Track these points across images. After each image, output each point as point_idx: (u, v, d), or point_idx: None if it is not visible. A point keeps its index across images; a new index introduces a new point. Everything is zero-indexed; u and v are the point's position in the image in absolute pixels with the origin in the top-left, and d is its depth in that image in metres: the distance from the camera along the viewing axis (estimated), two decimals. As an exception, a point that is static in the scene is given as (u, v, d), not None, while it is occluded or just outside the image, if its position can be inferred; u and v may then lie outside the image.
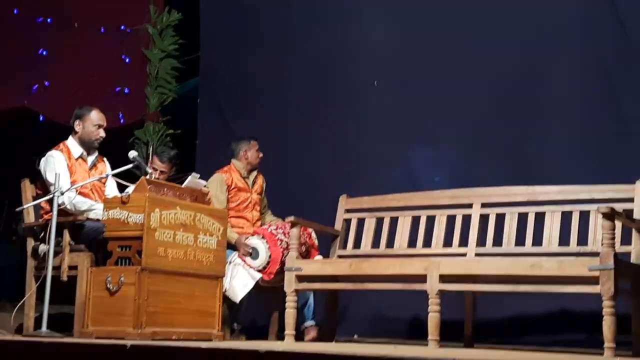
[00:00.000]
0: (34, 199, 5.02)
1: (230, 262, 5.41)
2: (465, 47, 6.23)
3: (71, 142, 5.16)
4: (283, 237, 5.41)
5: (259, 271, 5.42)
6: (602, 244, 4.27)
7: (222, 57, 7.53)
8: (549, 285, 4.54)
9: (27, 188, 5.12)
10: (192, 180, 5.04)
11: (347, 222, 5.76)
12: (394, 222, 5.61)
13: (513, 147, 5.90)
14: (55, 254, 4.64)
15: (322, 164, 6.59)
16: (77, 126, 5.17)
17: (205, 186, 5.20)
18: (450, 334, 5.02)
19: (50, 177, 4.94)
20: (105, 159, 5.30)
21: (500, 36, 6.09)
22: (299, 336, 5.34)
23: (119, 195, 4.96)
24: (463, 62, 6.20)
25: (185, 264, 4.68)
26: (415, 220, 5.54)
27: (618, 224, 4.60)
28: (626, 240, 4.76)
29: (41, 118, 7.72)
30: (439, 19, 6.39)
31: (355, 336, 6.10)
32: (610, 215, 4.27)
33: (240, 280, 5.41)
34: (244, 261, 5.46)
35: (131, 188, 4.82)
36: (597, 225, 4.78)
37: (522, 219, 5.18)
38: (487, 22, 6.17)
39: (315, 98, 6.84)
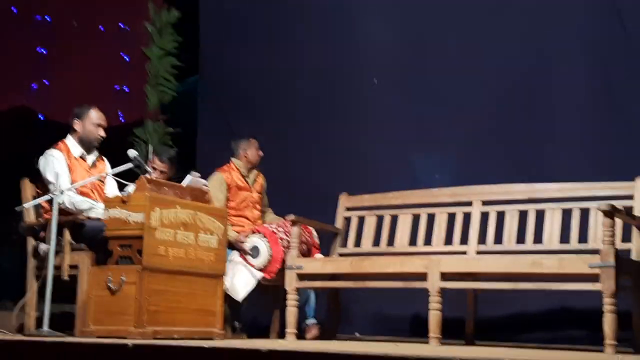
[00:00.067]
0: (34, 198, 5.01)
1: (230, 261, 5.41)
2: (466, 46, 6.24)
3: (71, 141, 5.15)
4: (284, 236, 5.41)
5: (260, 270, 5.43)
6: (602, 242, 4.28)
7: (222, 55, 7.53)
8: (549, 282, 4.54)
9: (27, 187, 5.11)
10: (192, 178, 5.04)
11: (348, 220, 5.76)
12: (394, 220, 5.61)
13: (513, 145, 5.90)
14: (56, 253, 4.64)
15: (323, 162, 6.59)
16: (77, 125, 5.16)
17: (205, 185, 5.20)
18: (452, 332, 5.03)
19: (49, 177, 4.93)
20: (104, 158, 5.29)
21: (501, 36, 6.10)
22: (301, 334, 5.34)
23: (119, 194, 4.96)
24: (463, 61, 6.21)
25: (186, 263, 4.68)
26: (416, 218, 5.55)
27: (618, 221, 4.61)
28: (626, 237, 4.77)
29: (41, 117, 7.72)
30: (439, 18, 6.39)
31: (357, 334, 6.10)
32: (610, 213, 4.27)
33: (241, 279, 5.41)
34: (245, 260, 5.46)
35: (131, 187, 4.82)
36: (598, 223, 4.79)
37: (523, 216, 5.19)
38: (488, 22, 6.18)
39: (315, 96, 6.84)
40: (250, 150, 5.87)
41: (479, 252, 5.21)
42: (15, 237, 5.37)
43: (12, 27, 7.49)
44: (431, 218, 5.50)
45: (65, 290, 4.79)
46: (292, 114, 6.94)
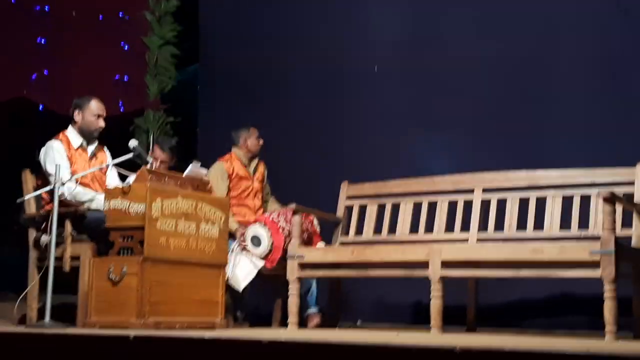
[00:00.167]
0: (35, 189, 5.02)
1: (232, 251, 5.42)
2: (467, 33, 6.22)
3: (71, 132, 5.15)
4: (285, 225, 5.41)
5: (262, 259, 5.44)
6: (602, 228, 4.28)
7: (222, 43, 7.51)
8: (550, 269, 4.55)
9: (28, 179, 5.12)
10: (193, 168, 5.04)
11: (349, 208, 5.76)
12: (395, 208, 5.61)
13: (514, 132, 5.90)
14: (57, 244, 4.64)
15: (324, 150, 6.59)
16: (77, 116, 5.16)
17: (206, 175, 5.20)
18: (453, 319, 5.04)
19: (49, 168, 4.93)
20: (105, 148, 5.29)
21: (502, 22, 6.09)
22: (303, 323, 5.35)
23: (120, 185, 4.96)
24: (464, 49, 6.19)
25: (188, 253, 4.69)
26: (417, 206, 5.55)
27: (619, 208, 4.60)
28: (627, 223, 4.77)
29: (40, 108, 7.71)
30: (441, 4, 6.37)
31: (359, 322, 6.12)
32: (610, 200, 4.27)
33: (243, 269, 5.42)
34: (246, 249, 5.47)
35: (132, 178, 4.82)
36: (598, 209, 4.79)
37: (524, 203, 5.19)
38: (490, 7, 6.16)
39: (316, 84, 6.83)
40: (250, 140, 5.87)
41: (480, 240, 5.21)
42: (16, 229, 5.37)
43: (11, 18, 7.46)
44: (432, 206, 5.50)
45: (67, 281, 4.80)
46: (292, 102, 6.94)
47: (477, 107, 6.08)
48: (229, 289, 5.29)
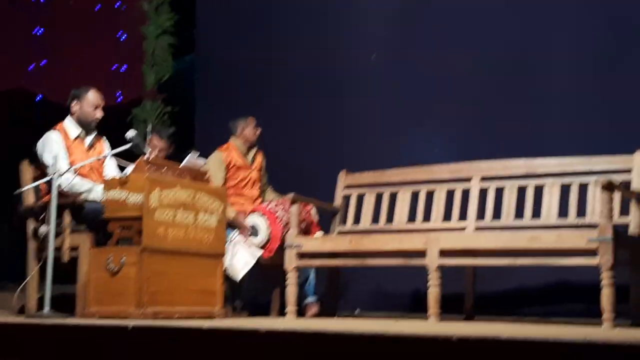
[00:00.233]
0: (33, 180, 5.02)
1: (230, 241, 5.43)
2: (465, 21, 6.21)
3: (68, 123, 5.15)
4: (283, 214, 5.42)
5: (260, 249, 5.45)
6: (600, 216, 4.29)
7: (219, 32, 7.50)
8: (548, 257, 4.56)
9: (26, 169, 5.11)
10: (191, 158, 5.04)
11: (347, 198, 5.77)
12: (393, 197, 5.62)
13: (512, 120, 5.89)
14: (56, 235, 4.65)
15: (322, 139, 6.59)
16: (75, 107, 5.15)
17: (204, 165, 5.20)
18: (451, 307, 5.05)
19: (47, 159, 4.93)
20: (104, 138, 5.29)
21: (500, 10, 6.07)
22: (301, 312, 5.37)
23: (118, 175, 4.96)
24: (462, 36, 6.19)
25: (186, 244, 4.70)
26: (415, 195, 5.56)
27: (617, 195, 4.61)
28: (625, 211, 4.78)
29: (38, 98, 7.71)
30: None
31: (357, 311, 6.14)
32: (608, 187, 4.28)
33: (241, 259, 5.43)
34: (245, 239, 5.48)
35: (130, 168, 4.82)
36: (596, 197, 4.80)
37: (521, 192, 5.20)
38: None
39: (314, 73, 6.82)
40: (248, 129, 5.87)
41: (477, 228, 5.22)
42: (15, 219, 5.38)
43: (7, 9, 7.45)
44: (430, 195, 5.50)
45: (66, 271, 4.82)
46: (290, 91, 6.93)
47: (474, 96, 6.07)
48: (228, 278, 5.31)
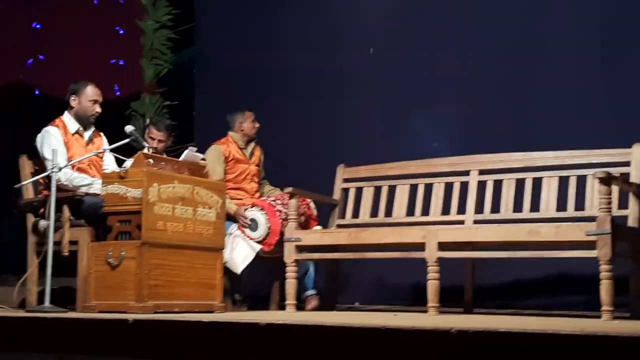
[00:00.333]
0: (33, 175, 5.02)
1: (230, 234, 5.44)
2: (463, 15, 6.21)
3: (67, 118, 5.15)
4: (282, 208, 5.43)
5: (259, 242, 5.46)
6: (598, 209, 4.29)
7: (218, 26, 7.49)
8: (546, 250, 4.57)
9: (25, 164, 5.12)
10: (190, 153, 5.05)
11: (346, 191, 5.78)
12: (392, 190, 5.63)
13: (510, 113, 5.90)
14: (55, 229, 4.66)
15: (320, 133, 6.59)
16: (73, 101, 5.15)
17: (202, 159, 5.21)
18: (451, 300, 5.07)
19: (46, 153, 4.93)
20: (102, 134, 5.30)
21: (499, 5, 6.07)
22: (300, 305, 5.38)
23: (117, 170, 4.97)
24: (460, 30, 6.19)
25: (185, 237, 4.71)
26: (413, 189, 5.56)
27: (615, 188, 4.62)
28: (623, 203, 4.78)
29: (37, 92, 7.71)
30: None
31: (357, 304, 6.15)
32: (606, 180, 4.28)
33: (240, 252, 5.44)
34: (244, 233, 5.49)
35: (129, 163, 4.83)
36: (594, 190, 4.80)
37: (520, 185, 5.21)
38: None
39: (313, 67, 6.82)
40: (246, 123, 5.87)
41: (476, 222, 5.23)
42: (15, 213, 5.39)
43: (5, 3, 7.45)
44: (429, 188, 5.51)
45: (66, 265, 4.83)
46: (288, 85, 6.93)
47: (473, 89, 6.07)
48: (227, 272, 5.32)
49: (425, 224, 5.14)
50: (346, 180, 5.79)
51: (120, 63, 7.83)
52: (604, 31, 5.63)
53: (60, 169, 4.75)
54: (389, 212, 5.58)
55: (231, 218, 5.46)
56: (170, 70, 7.90)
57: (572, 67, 5.73)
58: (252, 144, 5.94)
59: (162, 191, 4.60)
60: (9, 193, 5.22)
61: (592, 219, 4.40)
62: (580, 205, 4.97)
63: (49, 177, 4.72)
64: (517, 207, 5.16)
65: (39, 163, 5.04)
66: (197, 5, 7.75)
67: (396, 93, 6.38)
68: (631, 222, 4.70)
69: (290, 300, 5.09)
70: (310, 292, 5.64)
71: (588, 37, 5.69)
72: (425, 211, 5.45)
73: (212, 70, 7.51)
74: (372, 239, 4.99)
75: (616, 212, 4.60)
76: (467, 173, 5.41)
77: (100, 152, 5.13)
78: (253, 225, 5.47)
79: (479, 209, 5.28)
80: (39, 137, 5.06)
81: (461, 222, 5.26)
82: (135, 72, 7.83)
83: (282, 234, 5.30)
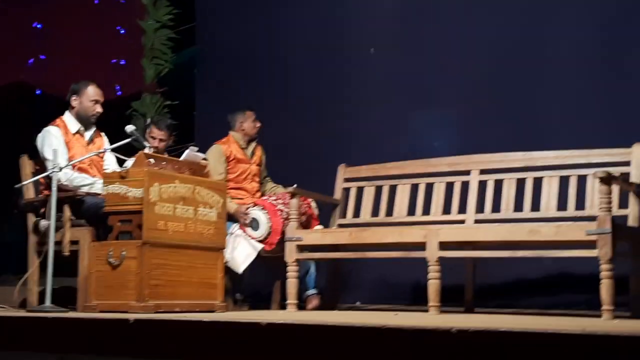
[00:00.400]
0: (33, 174, 5.03)
1: (231, 234, 5.45)
2: (463, 15, 6.21)
3: (68, 117, 5.15)
4: (283, 208, 5.43)
5: (260, 242, 5.46)
6: (599, 208, 4.30)
7: (219, 26, 7.49)
8: (547, 250, 4.57)
9: (26, 164, 5.12)
10: (190, 153, 5.05)
11: (347, 191, 5.78)
12: (393, 190, 5.63)
13: (511, 113, 5.90)
14: (56, 229, 4.66)
15: (321, 133, 6.59)
16: (74, 101, 5.16)
17: (204, 158, 5.21)
18: (452, 299, 5.07)
19: (47, 153, 4.94)
20: (103, 133, 5.30)
21: (500, 4, 6.07)
22: (301, 305, 5.39)
23: (118, 169, 4.97)
24: (460, 30, 6.18)
25: (186, 237, 4.71)
26: (414, 188, 5.57)
27: (615, 188, 4.62)
28: (623, 203, 4.79)
29: (38, 92, 7.72)
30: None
31: (358, 303, 6.15)
32: (606, 180, 4.29)
33: (242, 252, 5.44)
34: (245, 232, 5.50)
35: (130, 162, 4.83)
36: (595, 190, 4.80)
37: (520, 184, 5.21)
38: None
39: (314, 66, 6.82)
40: (246, 123, 5.88)
41: (477, 221, 5.23)
42: (16, 213, 5.39)
43: (6, 3, 7.46)
44: (429, 188, 5.52)
45: (67, 264, 4.83)
46: (289, 84, 6.93)
47: (474, 88, 6.08)
48: (229, 271, 5.32)
49: (426, 224, 5.15)
50: (347, 180, 5.80)
51: (121, 63, 7.84)
52: (604, 31, 5.63)
53: (60, 169, 4.75)
54: (389, 212, 5.59)
55: (232, 218, 5.47)
56: (171, 70, 7.90)
57: (572, 67, 5.73)
58: (253, 144, 5.94)
59: (163, 191, 4.60)
60: (10, 193, 5.22)
61: (592, 218, 4.40)
62: (580, 204, 4.98)
63: (49, 177, 4.73)
64: (518, 206, 5.17)
65: (40, 163, 5.05)
66: (197, 5, 7.75)
67: (397, 93, 6.38)
68: (631, 222, 4.71)
69: (291, 299, 5.09)
70: (311, 291, 5.64)
71: (588, 37, 5.69)
72: (426, 211, 5.46)
73: (212, 70, 7.51)
74: (373, 238, 5.00)
75: (616, 211, 4.61)
76: (467, 173, 5.42)
77: (101, 152, 5.13)
78: (254, 224, 5.48)
79: (480, 208, 5.28)
80: (39, 136, 5.07)
81: (462, 222, 5.27)
82: (136, 71, 7.83)
83: (283, 233, 5.30)
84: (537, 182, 5.16)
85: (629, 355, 2.53)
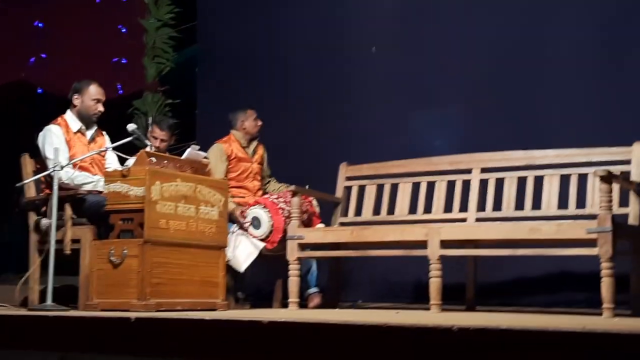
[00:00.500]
0: (34, 173, 5.03)
1: (232, 232, 5.45)
2: (464, 14, 6.21)
3: (69, 116, 5.16)
4: (284, 206, 5.44)
5: (262, 240, 5.47)
6: (599, 207, 4.30)
7: (220, 24, 7.50)
8: (548, 248, 4.58)
9: (27, 163, 5.13)
10: (192, 151, 5.05)
11: (348, 189, 5.79)
12: (394, 188, 5.64)
13: (512, 112, 5.90)
14: (58, 227, 4.67)
15: (322, 131, 6.60)
16: (76, 100, 5.17)
17: (205, 157, 5.22)
18: (453, 297, 5.09)
19: (48, 152, 4.95)
20: (104, 132, 5.31)
21: (500, 2, 6.07)
22: (303, 303, 5.39)
23: (119, 168, 4.98)
24: (462, 29, 6.18)
25: (188, 235, 4.72)
26: (416, 187, 5.57)
27: (616, 186, 4.63)
28: (624, 202, 4.79)
29: (39, 91, 7.72)
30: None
31: (359, 302, 6.16)
32: (607, 178, 4.29)
33: (243, 250, 5.45)
34: (247, 231, 5.50)
35: (131, 161, 4.84)
36: (595, 188, 4.81)
37: (521, 183, 5.21)
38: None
39: (315, 65, 6.82)
40: (247, 122, 5.88)
41: (478, 219, 5.24)
42: (17, 212, 5.40)
43: (8, 2, 7.46)
44: (431, 186, 5.52)
45: (68, 263, 4.84)
46: (291, 83, 6.93)
47: (474, 88, 6.07)
48: (230, 270, 5.33)
49: (427, 222, 5.15)
50: (349, 179, 5.80)
51: (123, 61, 7.84)
52: (604, 31, 5.63)
53: (62, 168, 4.76)
54: (391, 210, 5.59)
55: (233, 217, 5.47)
56: (173, 69, 7.89)
57: (573, 66, 5.73)
58: (255, 143, 5.95)
59: (165, 189, 4.61)
60: (11, 192, 5.23)
61: (593, 217, 4.41)
62: (581, 203, 4.98)
63: (50, 176, 4.73)
64: (519, 205, 5.17)
65: (41, 162, 5.05)
66: (199, 4, 7.75)
67: (398, 91, 6.38)
68: (632, 220, 4.71)
69: (293, 298, 5.10)
70: (313, 289, 5.65)
71: (588, 37, 5.69)
72: (428, 209, 5.46)
73: (214, 69, 7.51)
74: (375, 236, 5.00)
75: (617, 210, 4.61)
76: (469, 171, 5.42)
77: (103, 151, 5.14)
78: (256, 223, 5.48)
79: (481, 206, 5.29)
80: (40, 135, 5.07)
81: (463, 220, 5.27)
82: (138, 70, 7.83)
83: (285, 231, 5.31)
84: (538, 181, 5.17)
85: (630, 353, 2.53)
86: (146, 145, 4.99)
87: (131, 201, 4.55)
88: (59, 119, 5.13)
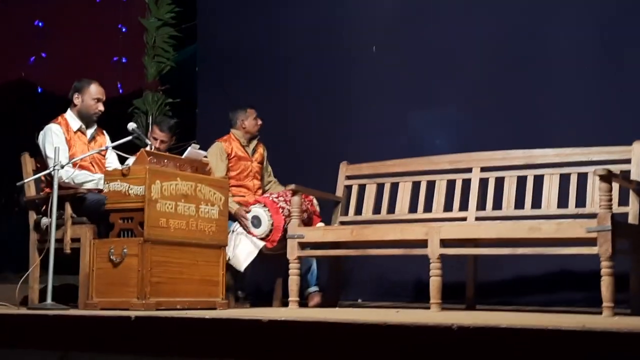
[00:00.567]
0: (34, 172, 5.04)
1: (232, 231, 5.46)
2: (465, 12, 6.21)
3: (70, 115, 5.16)
4: (284, 205, 5.44)
5: (262, 239, 5.47)
6: (599, 206, 4.30)
7: (220, 23, 7.50)
8: (548, 247, 4.58)
9: (27, 162, 5.13)
10: (192, 150, 5.06)
11: (348, 188, 5.79)
12: (394, 187, 5.64)
13: (512, 111, 5.91)
14: (58, 226, 4.67)
15: (323, 130, 6.60)
16: (76, 99, 5.17)
17: (205, 156, 5.22)
18: (453, 296, 5.10)
19: (48, 151, 4.95)
20: (104, 131, 5.31)
21: (498, 2, 6.07)
22: (303, 302, 5.40)
23: (119, 167, 4.98)
24: (462, 28, 6.18)
25: (188, 234, 4.72)
26: (416, 186, 5.58)
27: (615, 185, 4.63)
28: (624, 201, 4.79)
29: (39, 90, 7.72)
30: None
31: (359, 300, 6.16)
32: (607, 177, 4.29)
33: (243, 249, 5.45)
34: (247, 230, 5.51)
35: (131, 160, 4.84)
36: (595, 187, 4.81)
37: (521, 182, 5.22)
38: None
39: (316, 64, 6.82)
40: (248, 121, 5.89)
41: (478, 218, 5.24)
42: (17, 210, 5.41)
43: (7, 1, 7.46)
44: (431, 185, 5.52)
45: (68, 262, 4.84)
46: (291, 82, 6.93)
47: (474, 87, 6.08)
48: (230, 268, 5.33)
49: (427, 221, 5.15)
50: (349, 178, 5.81)
51: (123, 60, 7.83)
52: (604, 31, 5.63)
53: (62, 167, 4.76)
54: (391, 209, 5.60)
55: (232, 216, 5.47)
56: (173, 68, 7.90)
57: (573, 66, 5.73)
58: (255, 142, 5.95)
59: (165, 188, 4.61)
60: (11, 191, 5.23)
61: (592, 216, 4.41)
62: (581, 202, 4.99)
63: (50, 175, 4.73)
64: (519, 204, 5.17)
65: (41, 161, 5.06)
66: (199, 3, 7.75)
67: (398, 91, 6.38)
68: (631, 219, 4.72)
69: (293, 297, 5.11)
70: (313, 288, 5.65)
71: (588, 36, 5.69)
72: (428, 208, 5.47)
73: (214, 68, 7.51)
74: (375, 235, 5.01)
75: (617, 209, 4.62)
76: (469, 170, 5.42)
77: (103, 150, 5.14)
78: (256, 222, 5.49)
79: (481, 205, 5.29)
80: (41, 134, 5.08)
81: (463, 219, 5.28)
82: (138, 69, 7.83)
83: (285, 230, 5.31)
84: (538, 180, 5.17)
85: (629, 352, 2.54)
86: (146, 145, 4.98)
87: (131, 200, 4.55)
88: (59, 118, 5.14)
